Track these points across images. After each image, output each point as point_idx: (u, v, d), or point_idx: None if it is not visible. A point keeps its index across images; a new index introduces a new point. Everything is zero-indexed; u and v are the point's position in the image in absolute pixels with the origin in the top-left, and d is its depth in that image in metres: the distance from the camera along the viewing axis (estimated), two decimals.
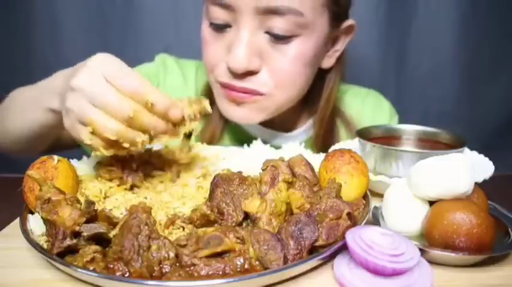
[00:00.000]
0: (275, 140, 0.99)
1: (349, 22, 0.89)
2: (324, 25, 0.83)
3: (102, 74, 0.58)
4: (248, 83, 0.82)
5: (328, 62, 0.92)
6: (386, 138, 0.83)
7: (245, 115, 0.87)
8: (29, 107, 0.76)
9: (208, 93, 0.94)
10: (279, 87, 0.83)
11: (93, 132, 0.57)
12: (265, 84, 0.82)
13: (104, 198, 0.63)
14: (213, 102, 0.93)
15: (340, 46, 0.92)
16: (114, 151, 0.60)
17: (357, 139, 0.79)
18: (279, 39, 0.79)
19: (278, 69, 0.82)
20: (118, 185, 0.65)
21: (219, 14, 0.80)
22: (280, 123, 0.99)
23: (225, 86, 0.84)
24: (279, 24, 0.77)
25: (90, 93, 0.57)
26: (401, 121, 1.08)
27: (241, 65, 0.78)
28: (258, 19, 0.78)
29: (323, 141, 0.98)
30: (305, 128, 1.02)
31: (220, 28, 0.82)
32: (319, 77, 0.94)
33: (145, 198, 0.63)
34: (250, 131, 0.99)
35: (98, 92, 0.57)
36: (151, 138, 0.60)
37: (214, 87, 0.89)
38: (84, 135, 0.58)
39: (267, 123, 0.97)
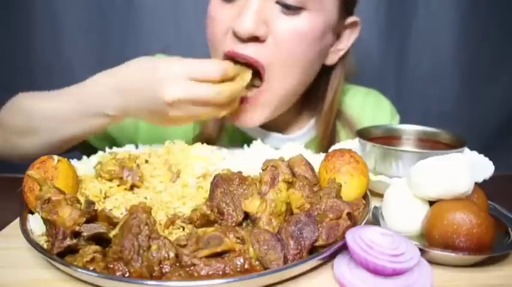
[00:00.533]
0: (275, 142, 0.98)
1: (353, 18, 0.90)
2: (333, 7, 0.84)
3: (182, 77, 0.69)
4: (251, 50, 0.80)
5: (331, 59, 0.92)
6: (386, 139, 0.83)
7: (248, 115, 0.85)
8: (71, 117, 0.77)
9: None
10: (281, 61, 0.81)
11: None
12: (267, 54, 0.81)
13: (104, 198, 0.63)
14: None
15: (343, 44, 0.92)
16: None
17: (357, 139, 0.79)
18: (289, 9, 0.79)
19: (283, 41, 0.80)
20: (118, 185, 0.65)
21: None
22: (280, 125, 0.98)
23: (228, 55, 0.82)
24: None
25: (188, 99, 0.69)
26: (401, 121, 1.08)
27: (247, 30, 0.77)
28: None
29: (325, 143, 0.98)
30: (306, 130, 1.02)
31: None
32: (322, 76, 0.93)
33: (145, 198, 0.63)
34: (249, 134, 0.98)
35: (194, 94, 0.69)
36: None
37: None
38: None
39: (267, 126, 0.96)
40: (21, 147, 0.85)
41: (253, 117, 0.86)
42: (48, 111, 0.80)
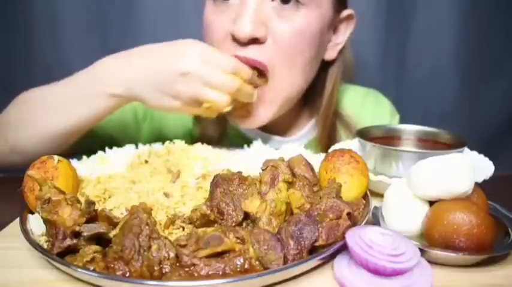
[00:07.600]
0: (276, 145, 0.97)
1: (348, 11, 0.91)
2: (328, 2, 0.85)
3: (204, 58, 0.72)
4: (252, 52, 0.80)
5: (329, 54, 0.93)
6: (386, 139, 0.83)
7: (255, 114, 0.85)
8: (76, 101, 0.78)
9: None
10: (281, 60, 0.82)
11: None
12: (269, 55, 0.81)
13: (105, 199, 0.63)
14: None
15: (340, 38, 0.93)
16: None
17: (357, 139, 0.79)
18: (286, 3, 0.79)
19: (283, 40, 0.81)
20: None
21: None
22: (281, 128, 0.98)
23: None
24: None
25: (200, 76, 0.71)
26: (401, 121, 1.08)
27: (247, 33, 0.77)
28: None
29: (324, 143, 0.98)
30: (306, 131, 1.02)
31: None
32: (320, 74, 0.94)
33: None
34: (249, 137, 0.97)
35: (208, 74, 0.72)
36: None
37: None
38: (200, 111, 0.77)
39: (267, 128, 0.96)
40: (17, 144, 0.84)
41: (260, 115, 0.86)
42: (50, 97, 0.80)
